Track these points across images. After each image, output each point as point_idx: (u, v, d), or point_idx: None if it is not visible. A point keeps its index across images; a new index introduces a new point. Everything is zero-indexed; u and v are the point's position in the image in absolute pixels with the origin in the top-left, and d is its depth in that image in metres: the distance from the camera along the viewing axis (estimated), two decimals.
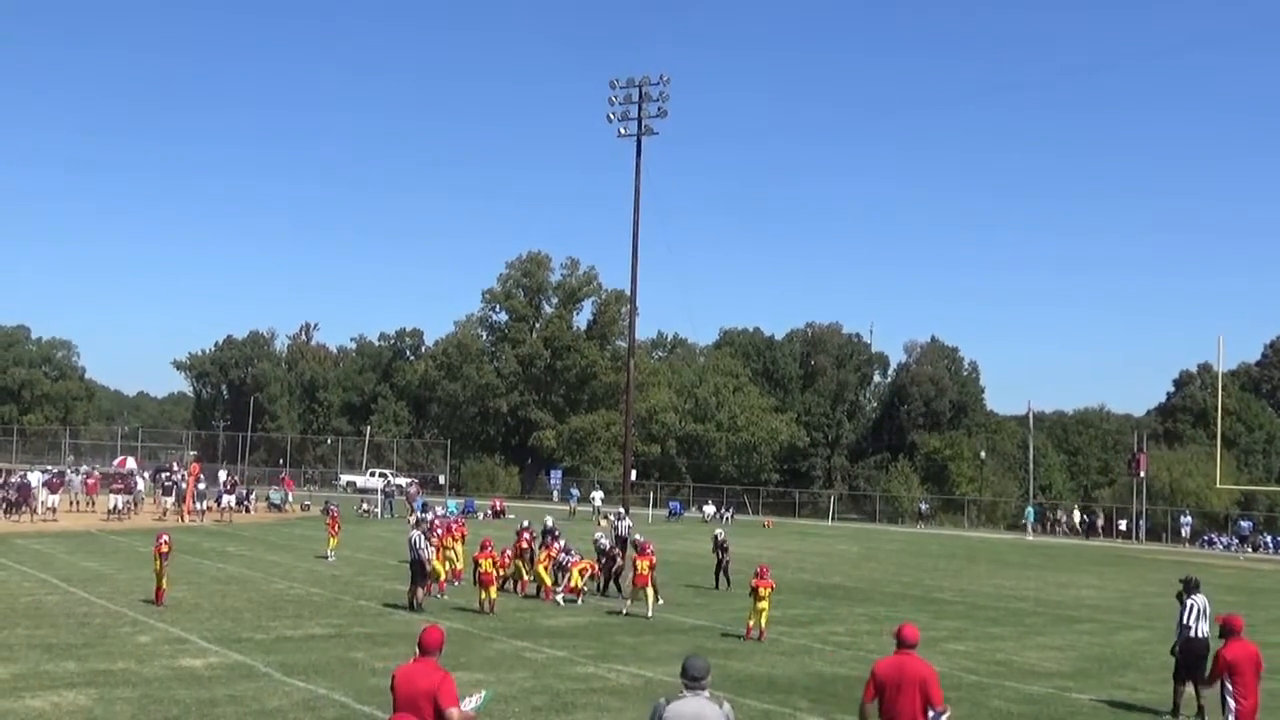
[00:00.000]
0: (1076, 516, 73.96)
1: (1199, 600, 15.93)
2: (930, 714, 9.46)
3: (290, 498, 59.70)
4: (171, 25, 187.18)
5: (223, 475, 68.70)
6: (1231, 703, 12.78)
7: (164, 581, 21.83)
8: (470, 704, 8.34)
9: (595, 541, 27.99)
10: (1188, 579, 16.52)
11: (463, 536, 29.44)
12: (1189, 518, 68.00)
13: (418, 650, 8.50)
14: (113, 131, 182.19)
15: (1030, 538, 66.62)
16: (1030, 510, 71.95)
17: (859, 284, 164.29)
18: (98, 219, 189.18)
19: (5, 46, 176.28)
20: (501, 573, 26.66)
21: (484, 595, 22.77)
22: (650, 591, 22.95)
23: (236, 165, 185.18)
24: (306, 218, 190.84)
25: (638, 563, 23.37)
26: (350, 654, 17.35)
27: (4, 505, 44.94)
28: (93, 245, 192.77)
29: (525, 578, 26.63)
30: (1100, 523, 72.33)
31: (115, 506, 46.04)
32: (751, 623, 20.62)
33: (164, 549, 21.69)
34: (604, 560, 27.33)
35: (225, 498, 50.26)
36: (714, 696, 8.07)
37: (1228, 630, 13.36)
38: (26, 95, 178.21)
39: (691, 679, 7.99)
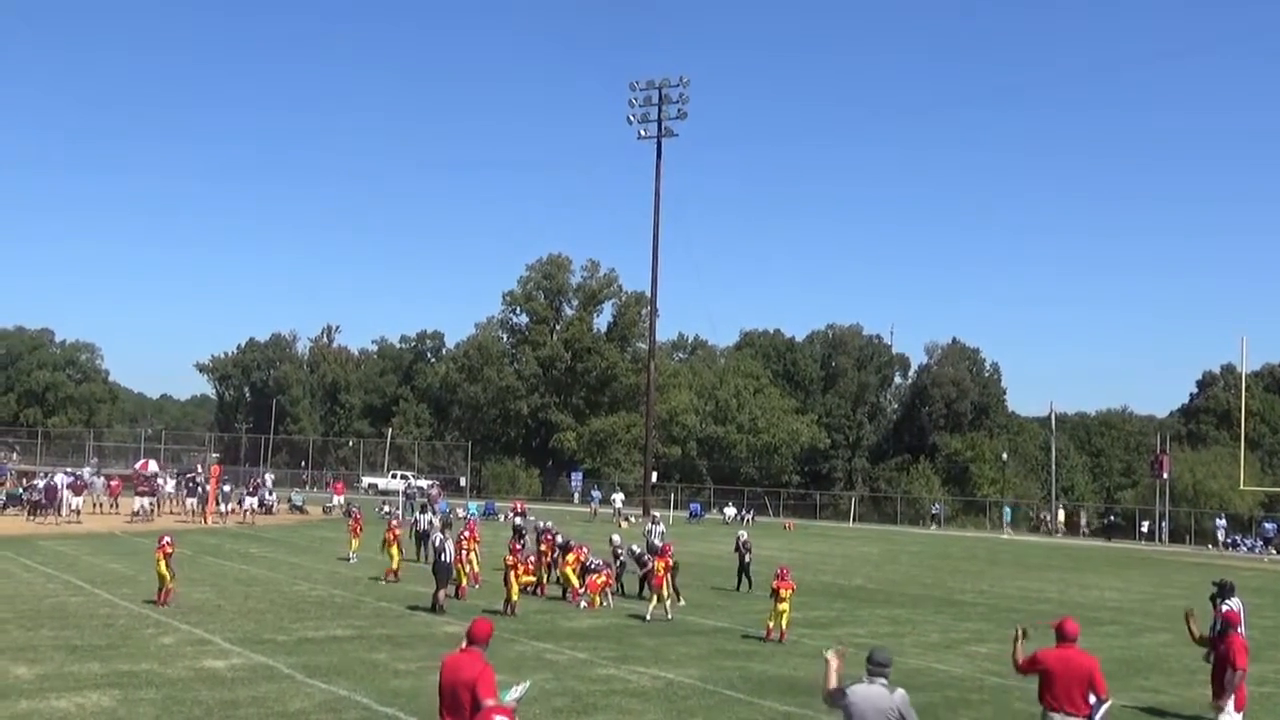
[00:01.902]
0: (1061, 516, 73.86)
1: (1234, 604, 15.79)
2: (1094, 702, 10.32)
3: (340, 501, 59.55)
4: (190, 26, 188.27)
5: (270, 478, 69.38)
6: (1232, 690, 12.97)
7: (170, 582, 21.86)
8: (514, 694, 8.50)
9: (611, 541, 27.94)
10: (1222, 582, 16.34)
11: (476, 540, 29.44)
12: (1223, 520, 66.78)
13: (465, 640, 8.81)
14: (134, 135, 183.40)
15: (1006, 536, 66.46)
16: (1007, 510, 71.77)
17: (879, 285, 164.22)
18: (121, 222, 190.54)
19: (27, 49, 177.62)
20: (528, 577, 26.72)
21: (508, 595, 22.80)
22: (663, 593, 22.90)
23: (258, 168, 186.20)
24: (328, 220, 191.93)
25: (655, 563, 23.45)
26: (372, 656, 17.39)
27: (29, 507, 45.26)
28: (116, 248, 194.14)
29: (544, 581, 26.67)
30: (1082, 523, 72.17)
31: (141, 508, 46.29)
32: (772, 624, 20.59)
33: (168, 550, 21.71)
34: (637, 565, 27.33)
35: (248, 499, 50.45)
36: (890, 684, 8.76)
37: (1228, 625, 13.69)
38: (45, 98, 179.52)
39: (877, 664, 8.81)
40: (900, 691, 8.68)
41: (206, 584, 25.70)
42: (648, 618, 22.46)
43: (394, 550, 28.49)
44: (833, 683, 9.01)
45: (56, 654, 16.46)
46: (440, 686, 8.55)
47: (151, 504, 47.13)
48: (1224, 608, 15.78)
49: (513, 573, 23.19)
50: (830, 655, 9.14)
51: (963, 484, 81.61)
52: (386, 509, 56.69)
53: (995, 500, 78.09)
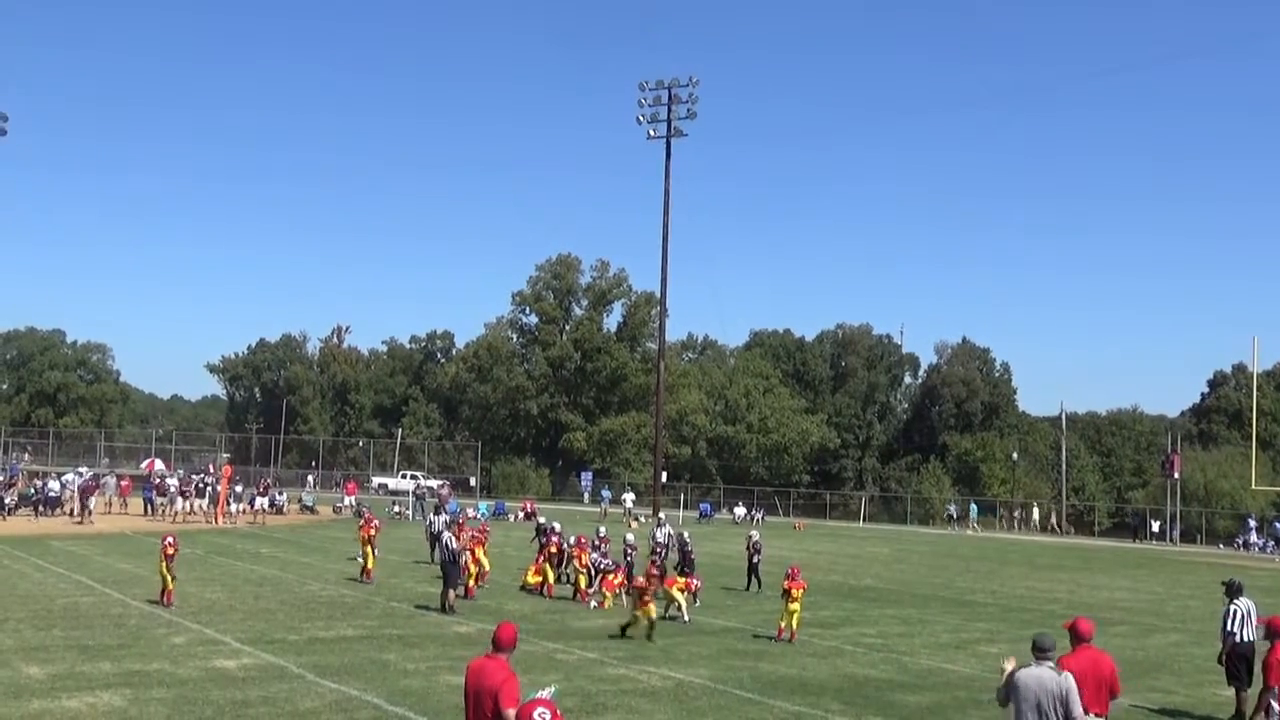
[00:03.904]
0: (1036, 514, 73.93)
1: (1243, 604, 15.69)
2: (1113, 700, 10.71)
3: (351, 501, 59.56)
4: (195, 26, 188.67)
5: (310, 479, 69.73)
6: (1277, 706, 12.57)
7: (170, 583, 21.94)
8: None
9: (624, 540, 28.15)
10: (1230, 582, 16.23)
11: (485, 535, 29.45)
12: (1254, 520, 64.76)
13: (491, 645, 8.60)
14: (144, 135, 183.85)
15: (973, 533, 66.53)
16: (974, 507, 71.79)
17: (889, 285, 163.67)
18: (131, 223, 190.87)
19: (29, 48, 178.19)
20: (535, 578, 26.75)
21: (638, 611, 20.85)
22: (674, 596, 22.91)
23: (269, 168, 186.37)
24: (338, 221, 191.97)
25: (678, 579, 23.64)
26: (382, 655, 17.43)
27: (35, 507, 45.49)
28: (127, 249, 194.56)
29: (551, 581, 26.71)
30: (1054, 520, 72.14)
31: (190, 509, 46.76)
32: (783, 624, 20.59)
33: (169, 550, 21.77)
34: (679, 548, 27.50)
35: (258, 500, 50.60)
36: (1055, 668, 9.26)
37: (1273, 633, 13.23)
38: (53, 99, 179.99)
39: (1041, 650, 9.28)
40: (1068, 675, 9.13)
41: (217, 584, 25.78)
42: (687, 619, 22.42)
43: (369, 549, 28.35)
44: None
45: (68, 654, 16.52)
46: (465, 692, 8.40)
47: (177, 505, 47.61)
48: (1234, 609, 15.67)
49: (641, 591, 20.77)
50: (1007, 663, 9.63)
51: (973, 484, 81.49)
52: (397, 509, 56.90)
53: (1005, 500, 78.01)
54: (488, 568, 27.66)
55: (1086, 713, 10.25)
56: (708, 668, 17.52)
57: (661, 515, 36.43)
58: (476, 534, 28.19)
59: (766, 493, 79.44)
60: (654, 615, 20.11)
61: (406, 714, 13.55)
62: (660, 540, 28.18)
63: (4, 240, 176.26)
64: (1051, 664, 9.22)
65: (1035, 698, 9.02)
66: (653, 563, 23.05)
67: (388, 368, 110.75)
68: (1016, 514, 75.40)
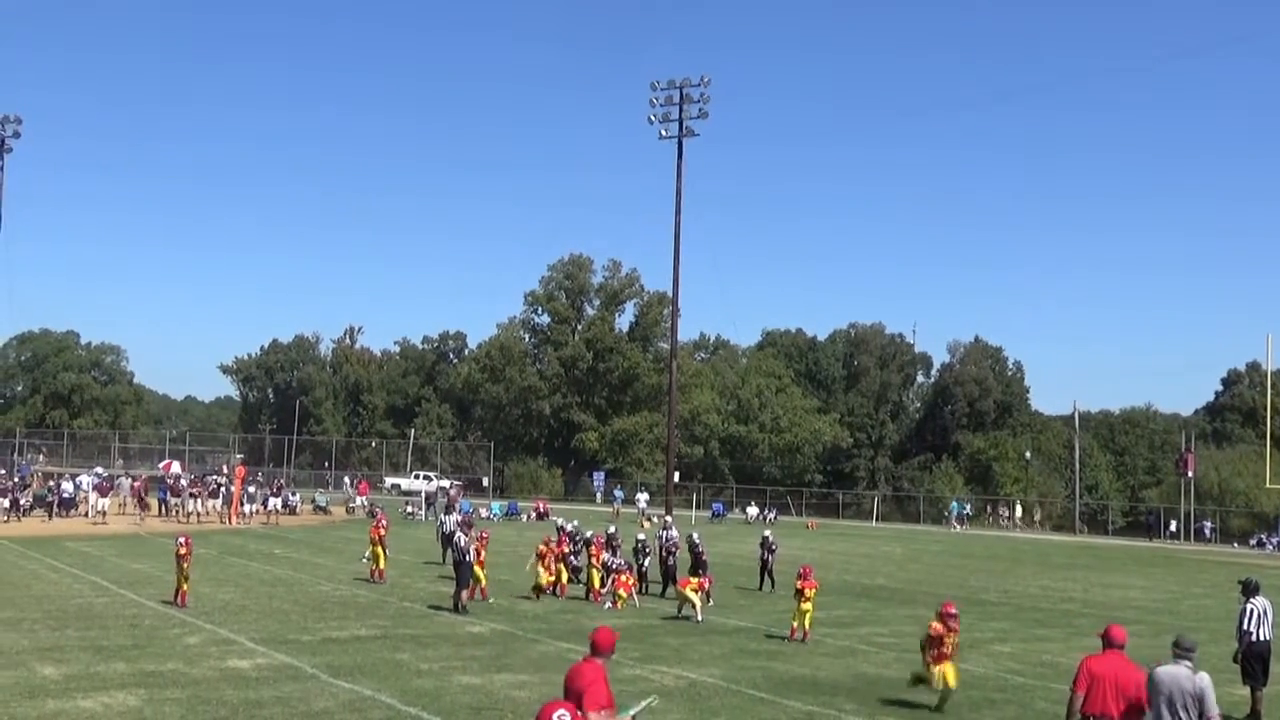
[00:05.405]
0: (1018, 512, 74.01)
1: (1259, 603, 15.61)
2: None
3: (363, 501, 59.66)
4: (212, 25, 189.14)
5: (347, 481, 70.08)
6: None
7: (184, 583, 21.98)
8: (634, 710, 8.47)
9: (636, 540, 28.18)
10: (1247, 581, 16.16)
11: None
12: None
13: (588, 649, 8.62)
14: (157, 137, 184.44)
15: (956, 530, 66.42)
16: (955, 505, 71.74)
17: (902, 284, 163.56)
18: (145, 225, 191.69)
19: (56, 52, 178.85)
20: (549, 577, 26.71)
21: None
22: (688, 595, 22.92)
23: (282, 169, 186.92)
24: (350, 221, 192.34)
25: (691, 579, 23.64)
26: (396, 655, 17.45)
27: (50, 508, 45.63)
28: (141, 251, 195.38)
29: (564, 581, 26.69)
30: (1038, 518, 71.94)
31: (216, 509, 47.14)
32: (796, 624, 20.56)
33: (181, 550, 21.80)
34: (662, 561, 27.47)
35: (271, 500, 50.70)
36: (1195, 667, 9.51)
37: None
38: (68, 100, 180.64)
39: (1183, 649, 9.57)
40: (1204, 674, 9.37)
41: (231, 584, 25.84)
42: (699, 619, 22.41)
43: (380, 549, 28.24)
44: None
45: (83, 654, 16.57)
46: (565, 694, 8.37)
47: (210, 505, 48.37)
48: (1250, 608, 15.59)
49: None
50: None
51: (985, 483, 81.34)
52: (410, 509, 57.00)
53: (1018, 499, 77.83)
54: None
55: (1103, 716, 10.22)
56: (721, 667, 17.51)
57: (668, 519, 36.46)
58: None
59: (779, 492, 79.35)
60: (953, 681, 14.85)
61: (420, 714, 13.56)
62: (673, 539, 28.17)
63: (18, 242, 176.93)
64: (1190, 663, 9.46)
65: (1170, 695, 9.28)
66: (948, 603, 16.07)
67: (400, 368, 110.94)
68: (1003, 512, 75.37)
